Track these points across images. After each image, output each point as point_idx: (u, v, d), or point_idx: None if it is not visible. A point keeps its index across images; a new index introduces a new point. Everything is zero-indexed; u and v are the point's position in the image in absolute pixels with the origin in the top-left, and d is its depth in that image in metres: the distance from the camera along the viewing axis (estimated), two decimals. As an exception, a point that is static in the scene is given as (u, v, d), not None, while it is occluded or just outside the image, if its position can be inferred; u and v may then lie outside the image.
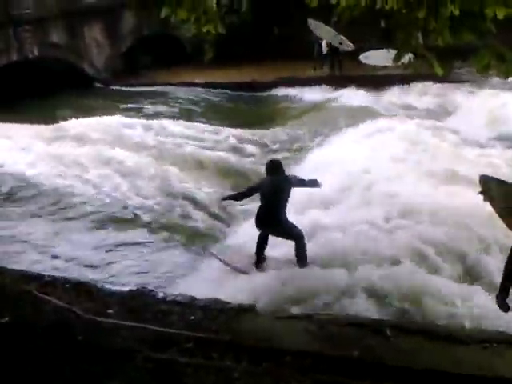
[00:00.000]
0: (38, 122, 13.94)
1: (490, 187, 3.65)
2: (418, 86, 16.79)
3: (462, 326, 5.40)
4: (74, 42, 20.14)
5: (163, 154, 11.96)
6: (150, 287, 5.49)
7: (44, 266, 7.55)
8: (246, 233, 8.01)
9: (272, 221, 6.95)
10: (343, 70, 19.12)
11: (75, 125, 13.55)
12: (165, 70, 21.46)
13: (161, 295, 4.99)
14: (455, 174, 9.68)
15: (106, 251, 8.24)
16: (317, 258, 6.99)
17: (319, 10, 6.36)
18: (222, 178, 11.03)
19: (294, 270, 6.81)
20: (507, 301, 3.42)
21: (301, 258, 6.90)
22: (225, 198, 7.81)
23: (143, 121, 14.38)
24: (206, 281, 6.87)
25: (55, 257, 8.14)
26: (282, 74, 19.37)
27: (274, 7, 20.36)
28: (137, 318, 4.39)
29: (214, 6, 5.69)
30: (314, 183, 7.26)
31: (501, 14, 4.17)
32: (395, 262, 6.87)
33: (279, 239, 7.22)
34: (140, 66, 21.94)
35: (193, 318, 4.48)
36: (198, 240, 8.59)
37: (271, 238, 7.20)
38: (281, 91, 18.76)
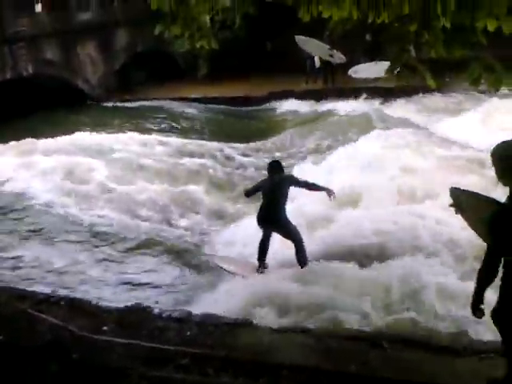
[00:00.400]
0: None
1: (461, 199, 3.59)
2: (414, 97, 17.02)
3: (460, 338, 5.37)
4: (69, 59, 20.18)
5: (156, 169, 11.95)
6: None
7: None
8: (246, 239, 8.17)
9: (272, 218, 7.18)
10: (336, 83, 19.23)
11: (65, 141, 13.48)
12: (159, 85, 21.51)
13: (156, 311, 4.96)
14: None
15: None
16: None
17: (312, 25, 6.39)
18: (216, 190, 11.08)
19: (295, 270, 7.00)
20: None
21: (301, 259, 7.12)
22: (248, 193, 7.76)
23: (140, 136, 14.37)
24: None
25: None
26: (275, 88, 19.47)
27: (267, 23, 20.50)
28: (132, 335, 4.36)
29: (208, 22, 5.73)
30: (321, 188, 7.26)
31: (492, 27, 4.19)
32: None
33: (279, 245, 7.41)
34: (134, 82, 21.97)
35: (189, 333, 4.45)
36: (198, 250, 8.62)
37: (271, 244, 7.36)
38: (274, 105, 18.87)
